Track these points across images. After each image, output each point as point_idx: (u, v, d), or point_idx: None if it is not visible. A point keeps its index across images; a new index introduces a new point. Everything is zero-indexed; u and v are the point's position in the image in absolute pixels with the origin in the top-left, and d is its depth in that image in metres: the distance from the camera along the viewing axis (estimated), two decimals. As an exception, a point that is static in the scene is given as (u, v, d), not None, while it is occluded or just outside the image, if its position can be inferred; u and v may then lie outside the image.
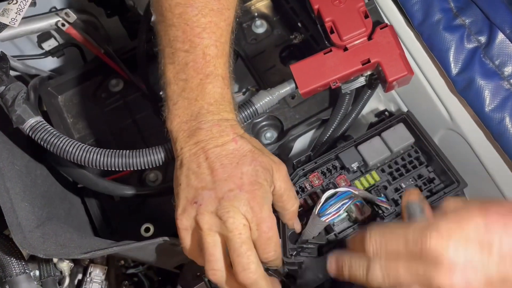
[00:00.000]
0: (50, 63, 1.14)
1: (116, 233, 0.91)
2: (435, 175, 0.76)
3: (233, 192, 0.60)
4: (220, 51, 0.67)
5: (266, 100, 0.78)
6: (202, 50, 0.66)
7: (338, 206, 0.68)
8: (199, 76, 0.66)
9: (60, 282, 0.85)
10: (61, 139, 0.72)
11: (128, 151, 0.72)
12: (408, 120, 0.76)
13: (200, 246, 0.63)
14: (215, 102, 0.65)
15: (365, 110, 0.91)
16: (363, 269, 0.54)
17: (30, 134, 0.72)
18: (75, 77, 1.02)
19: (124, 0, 1.06)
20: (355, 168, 0.77)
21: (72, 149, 0.72)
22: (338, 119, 0.86)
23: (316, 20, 0.78)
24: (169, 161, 0.72)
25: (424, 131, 0.75)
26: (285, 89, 0.78)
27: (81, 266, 0.90)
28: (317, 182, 0.76)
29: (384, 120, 0.79)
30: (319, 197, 0.69)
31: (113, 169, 0.73)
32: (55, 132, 0.72)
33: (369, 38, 0.75)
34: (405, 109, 0.88)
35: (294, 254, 0.72)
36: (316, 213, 0.67)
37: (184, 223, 0.62)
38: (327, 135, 0.87)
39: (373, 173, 0.76)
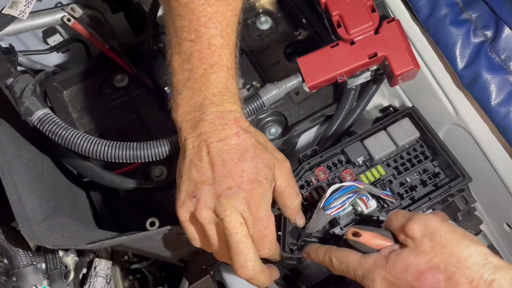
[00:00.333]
0: (55, 59, 1.15)
1: (121, 227, 0.91)
2: (440, 170, 0.76)
3: (232, 190, 0.60)
4: (225, 41, 0.67)
5: (273, 93, 0.78)
6: (207, 40, 0.66)
7: (343, 199, 0.68)
8: (204, 66, 0.66)
9: (65, 276, 0.85)
10: (69, 131, 0.72)
11: (135, 143, 0.73)
12: (413, 115, 0.76)
13: (204, 234, 0.64)
14: (218, 93, 0.65)
15: (369, 106, 0.91)
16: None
17: (38, 126, 0.72)
18: (80, 72, 1.03)
19: (129, -4, 1.06)
20: (360, 162, 0.77)
21: (80, 141, 0.72)
22: (343, 114, 0.87)
23: (323, 14, 0.79)
24: (176, 153, 0.72)
25: (430, 126, 0.76)
26: (292, 82, 0.79)
27: (85, 260, 0.91)
28: (322, 176, 0.77)
29: (389, 115, 0.79)
30: (324, 191, 0.69)
31: (120, 161, 0.73)
32: (63, 124, 0.72)
33: (376, 32, 0.75)
34: (409, 105, 0.89)
35: (295, 248, 0.72)
36: (321, 206, 0.67)
37: (184, 215, 0.63)
38: (332, 130, 0.87)
39: (379, 167, 0.77)
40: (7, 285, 0.84)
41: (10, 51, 0.78)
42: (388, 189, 0.75)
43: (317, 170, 0.77)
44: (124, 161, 0.73)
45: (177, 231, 0.70)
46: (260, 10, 1.07)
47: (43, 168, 0.83)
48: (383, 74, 0.79)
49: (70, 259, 0.87)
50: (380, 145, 0.75)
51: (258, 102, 0.78)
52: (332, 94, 0.95)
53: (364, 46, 0.75)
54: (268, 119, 0.96)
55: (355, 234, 0.62)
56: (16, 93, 0.73)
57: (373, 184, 0.76)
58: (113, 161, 0.73)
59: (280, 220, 0.72)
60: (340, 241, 0.72)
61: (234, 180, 0.61)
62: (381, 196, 0.72)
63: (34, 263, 0.77)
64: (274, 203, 0.68)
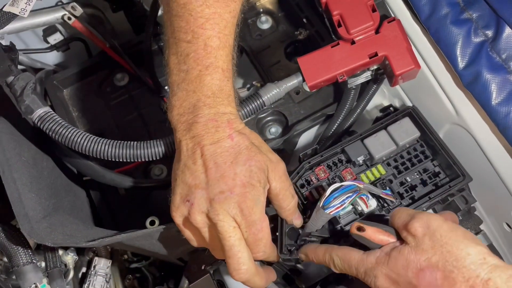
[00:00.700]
0: (55, 57, 1.15)
1: (121, 226, 0.91)
2: (440, 169, 0.76)
3: (224, 194, 0.61)
4: (222, 43, 0.67)
5: (273, 92, 0.78)
6: (203, 41, 0.66)
7: (342, 199, 0.67)
8: (199, 68, 0.65)
9: (65, 275, 0.85)
10: (69, 130, 0.72)
11: (135, 142, 0.73)
12: (414, 114, 0.76)
13: (201, 234, 0.64)
14: (212, 95, 0.65)
15: (370, 106, 0.91)
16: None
17: (38, 124, 0.72)
18: (81, 71, 1.03)
19: (130, -5, 1.06)
20: (361, 161, 0.77)
21: (80, 140, 0.72)
22: (343, 114, 0.87)
23: (324, 13, 0.79)
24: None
25: (430, 125, 0.76)
26: (292, 82, 0.79)
27: (85, 259, 0.91)
28: (323, 175, 0.77)
29: (390, 114, 0.79)
30: (324, 190, 0.69)
31: (120, 160, 0.73)
32: (63, 123, 0.72)
33: (377, 31, 0.75)
34: (410, 104, 0.88)
35: (294, 249, 0.72)
36: (320, 205, 0.67)
37: (179, 219, 0.64)
38: (332, 130, 0.87)
39: (379, 166, 0.77)
40: (7, 283, 0.84)
41: (10, 49, 0.78)
42: (388, 188, 0.75)
43: (318, 169, 0.77)
44: (124, 160, 0.73)
45: (176, 229, 0.70)
46: (261, 10, 1.07)
47: (43, 166, 0.83)
48: (384, 73, 0.79)
49: (70, 258, 0.87)
50: (380, 144, 0.75)
51: (258, 102, 0.78)
52: (333, 93, 0.95)
53: (365, 45, 0.75)
54: (269, 118, 0.96)
55: (360, 229, 0.62)
56: (17, 91, 0.73)
57: (373, 183, 0.76)
58: (113, 160, 0.73)
59: (277, 221, 0.72)
60: (340, 240, 0.72)
61: (226, 184, 0.61)
62: (381, 195, 0.72)
63: (34, 261, 0.77)
64: (270, 202, 0.68)
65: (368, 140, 0.76)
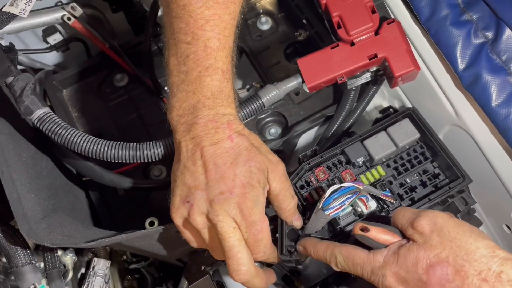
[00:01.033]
0: (54, 58, 1.15)
1: (120, 226, 0.91)
2: (440, 171, 0.76)
3: (224, 195, 0.61)
4: (222, 44, 0.67)
5: (272, 94, 0.78)
6: (203, 43, 0.66)
7: (342, 200, 0.68)
8: (198, 69, 0.66)
9: (64, 276, 0.85)
10: (68, 131, 0.72)
11: (135, 143, 0.73)
12: (414, 116, 0.76)
13: (200, 235, 0.64)
14: (212, 96, 0.65)
15: (369, 107, 0.91)
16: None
17: (38, 125, 0.72)
18: (80, 71, 1.03)
19: (130, -5, 1.06)
20: (360, 162, 0.77)
21: (80, 141, 0.72)
22: (343, 115, 0.87)
23: (323, 15, 0.79)
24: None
25: (430, 127, 0.76)
26: (292, 83, 0.79)
27: (84, 260, 0.90)
28: (322, 176, 0.77)
29: (390, 115, 0.79)
30: (324, 191, 0.69)
31: (120, 161, 0.73)
32: (63, 124, 0.72)
33: (376, 33, 0.75)
34: (409, 106, 0.89)
35: (294, 250, 0.72)
36: (320, 207, 0.67)
37: (179, 220, 0.64)
38: (332, 131, 0.87)
39: (379, 168, 0.77)
40: (6, 284, 0.84)
41: (10, 50, 0.78)
42: (388, 189, 0.75)
43: (317, 171, 0.77)
44: (124, 161, 0.73)
45: (175, 230, 0.70)
46: (261, 11, 1.07)
47: (42, 167, 0.82)
48: (383, 75, 0.79)
49: (69, 259, 0.87)
50: (380, 145, 0.75)
51: (258, 103, 0.77)
52: (332, 94, 0.95)
53: (364, 47, 0.75)
54: (268, 119, 0.96)
55: (363, 229, 0.61)
56: (16, 92, 0.73)
57: (373, 184, 0.76)
58: (113, 161, 0.73)
59: (277, 222, 0.72)
60: (340, 242, 0.72)
61: (226, 184, 0.61)
62: (381, 196, 0.72)
63: (32, 262, 0.77)
64: (269, 203, 0.68)
65: (368, 141, 0.76)
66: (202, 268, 0.80)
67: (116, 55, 1.02)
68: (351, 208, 0.73)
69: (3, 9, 0.77)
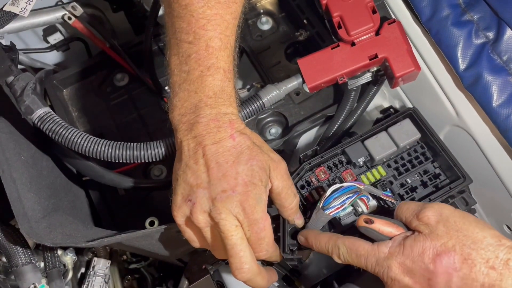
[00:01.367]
0: (55, 57, 1.15)
1: (120, 226, 0.91)
2: (440, 171, 0.76)
3: (226, 193, 0.61)
4: (224, 44, 0.67)
5: (273, 94, 0.78)
6: (205, 42, 0.66)
7: (342, 199, 0.68)
8: (200, 68, 0.66)
9: (64, 275, 0.85)
10: (69, 130, 0.71)
11: (135, 143, 0.73)
12: (414, 116, 0.76)
13: (202, 235, 0.64)
14: (214, 95, 0.65)
15: (370, 107, 0.91)
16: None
17: (38, 124, 0.72)
18: (81, 71, 1.03)
19: (130, -5, 1.06)
20: (361, 163, 0.77)
21: (81, 141, 0.71)
22: (343, 115, 0.87)
23: (324, 15, 0.79)
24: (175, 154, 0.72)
25: (430, 127, 0.76)
26: (292, 83, 0.79)
27: (84, 259, 0.90)
28: (323, 176, 0.77)
29: (390, 116, 0.79)
30: (325, 191, 0.69)
31: (120, 161, 0.73)
32: (63, 123, 0.72)
33: (377, 33, 0.75)
34: (410, 106, 0.89)
35: (295, 249, 0.72)
36: (320, 206, 0.67)
37: (180, 219, 0.64)
38: (333, 131, 0.87)
39: (379, 168, 0.77)
40: (6, 284, 0.84)
41: (11, 49, 0.78)
42: (388, 190, 0.75)
43: (318, 171, 0.77)
44: (124, 161, 0.73)
45: (176, 230, 0.70)
46: (261, 11, 1.07)
47: (43, 166, 0.83)
48: (384, 75, 0.79)
49: (69, 258, 0.87)
50: (380, 145, 0.75)
51: (258, 103, 0.77)
52: (333, 94, 0.95)
53: (365, 47, 0.75)
54: (269, 119, 0.96)
55: (367, 221, 0.61)
56: (17, 92, 0.72)
57: (374, 184, 0.76)
58: (113, 161, 0.73)
59: (279, 221, 0.72)
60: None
61: (228, 183, 0.61)
62: (382, 196, 0.71)
63: (33, 261, 0.77)
64: (271, 203, 0.68)
65: (368, 141, 0.76)
66: (203, 267, 0.80)
67: (117, 54, 1.02)
68: (351, 208, 0.73)
69: (4, 8, 0.77)
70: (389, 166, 0.77)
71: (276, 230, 0.69)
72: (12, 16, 0.76)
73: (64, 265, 0.86)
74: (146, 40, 0.98)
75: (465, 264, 0.55)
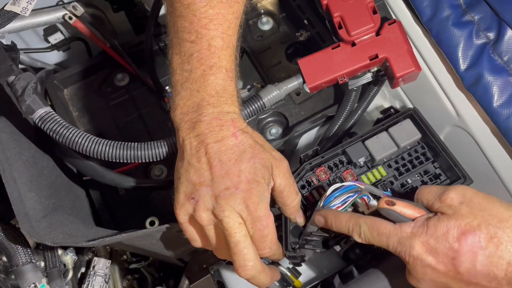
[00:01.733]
0: (55, 57, 1.15)
1: (120, 226, 0.91)
2: (441, 171, 0.76)
3: (229, 190, 0.61)
4: (226, 43, 0.67)
5: (273, 94, 0.78)
6: (207, 41, 0.66)
7: (343, 198, 0.67)
8: (202, 67, 0.66)
9: (64, 275, 0.85)
10: (70, 130, 0.71)
11: (136, 143, 0.73)
12: (415, 116, 0.76)
13: (204, 234, 0.64)
14: (216, 94, 0.65)
15: (370, 107, 0.92)
16: None
17: (39, 124, 0.72)
18: (81, 71, 1.03)
19: (131, -5, 1.06)
20: (362, 163, 0.77)
21: (81, 140, 0.71)
22: (344, 115, 0.87)
23: (324, 15, 0.79)
24: (176, 154, 0.72)
25: (431, 127, 0.76)
26: (293, 83, 0.79)
27: (84, 259, 0.91)
28: (323, 176, 0.77)
29: (391, 116, 0.79)
30: (325, 191, 0.69)
31: (120, 161, 0.73)
32: (64, 123, 0.72)
33: (377, 33, 0.75)
34: (410, 106, 0.89)
35: (297, 247, 0.72)
36: (321, 205, 0.67)
37: (183, 217, 0.63)
38: (333, 131, 0.87)
39: (380, 168, 0.77)
40: (6, 283, 0.84)
41: (12, 49, 0.78)
42: (389, 190, 0.75)
43: (318, 171, 0.77)
44: (125, 161, 0.73)
45: (177, 229, 0.70)
46: (262, 11, 1.07)
47: (43, 166, 0.83)
48: (384, 75, 0.79)
49: (69, 258, 0.87)
50: (381, 146, 0.75)
51: (258, 103, 0.77)
52: (333, 95, 0.96)
53: (365, 47, 0.75)
54: (269, 119, 0.96)
55: (389, 203, 0.61)
56: (18, 91, 0.72)
57: (374, 185, 0.76)
58: (114, 161, 0.73)
59: (281, 220, 0.72)
60: (343, 240, 0.72)
61: (232, 180, 0.61)
62: (382, 196, 0.71)
63: (33, 261, 0.77)
64: (274, 203, 0.68)
65: (369, 141, 0.76)
66: (204, 266, 0.80)
67: (117, 54, 1.02)
68: (352, 208, 0.73)
69: (5, 8, 0.77)
70: (389, 166, 0.77)
71: (277, 230, 0.69)
72: (13, 16, 0.76)
73: (65, 265, 0.87)
74: (147, 40, 0.98)
75: (491, 243, 0.54)
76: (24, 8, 0.73)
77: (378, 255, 0.67)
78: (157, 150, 0.73)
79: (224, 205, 0.60)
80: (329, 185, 0.75)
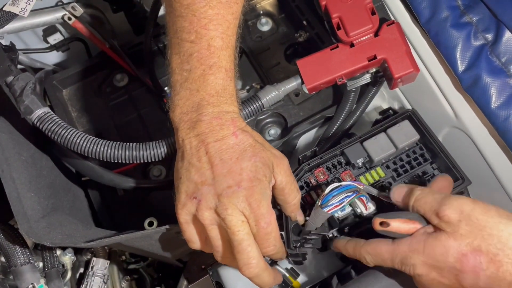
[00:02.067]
0: (55, 57, 1.15)
1: (119, 226, 0.91)
2: (439, 172, 0.76)
3: (232, 188, 0.61)
4: (225, 43, 0.67)
5: (272, 95, 0.78)
6: (207, 42, 0.66)
7: (341, 197, 0.67)
8: (202, 67, 0.66)
9: (62, 275, 0.85)
10: (68, 131, 0.71)
11: (135, 143, 0.73)
12: (413, 117, 0.76)
13: (204, 236, 0.64)
14: (216, 94, 0.65)
15: (369, 108, 0.92)
16: None
17: (37, 124, 0.72)
18: (80, 71, 1.03)
19: (130, -4, 1.06)
20: (360, 164, 0.77)
21: (79, 141, 0.72)
22: (343, 116, 0.87)
23: (323, 16, 0.79)
24: (175, 154, 0.72)
25: (429, 128, 0.76)
26: (291, 84, 0.79)
27: (83, 259, 0.90)
28: (322, 177, 0.77)
29: (389, 117, 0.80)
30: (323, 192, 0.69)
31: (119, 161, 0.73)
32: (62, 124, 0.72)
33: (376, 34, 0.75)
34: (409, 107, 0.89)
35: (298, 245, 0.72)
36: (319, 204, 0.67)
37: (185, 217, 0.63)
38: (332, 132, 0.87)
39: (378, 169, 0.77)
40: (4, 284, 0.84)
41: (10, 49, 0.79)
42: (387, 191, 0.75)
43: (317, 171, 0.77)
44: (123, 162, 0.73)
45: (175, 230, 0.70)
46: (261, 12, 1.07)
47: (42, 166, 0.83)
48: (383, 76, 0.80)
49: (68, 258, 0.87)
50: (379, 147, 0.75)
51: (257, 104, 0.77)
52: (332, 96, 0.96)
53: (364, 48, 0.75)
54: (268, 120, 0.96)
55: (383, 224, 0.61)
56: (16, 92, 0.72)
57: (373, 186, 0.76)
58: (112, 161, 0.73)
59: (281, 220, 0.72)
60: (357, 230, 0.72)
61: (233, 178, 0.61)
62: (380, 197, 0.71)
63: (31, 261, 0.77)
64: (274, 203, 0.68)
65: (367, 142, 0.76)
66: (203, 267, 0.80)
67: (116, 55, 1.02)
68: (350, 209, 0.73)
69: (4, 9, 0.77)
70: (388, 167, 0.77)
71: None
72: (12, 16, 0.76)
73: (63, 265, 0.87)
74: (146, 40, 0.98)
75: (492, 264, 0.54)
76: (22, 9, 0.73)
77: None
78: (156, 150, 0.73)
79: (227, 203, 0.60)
80: (328, 185, 0.75)
